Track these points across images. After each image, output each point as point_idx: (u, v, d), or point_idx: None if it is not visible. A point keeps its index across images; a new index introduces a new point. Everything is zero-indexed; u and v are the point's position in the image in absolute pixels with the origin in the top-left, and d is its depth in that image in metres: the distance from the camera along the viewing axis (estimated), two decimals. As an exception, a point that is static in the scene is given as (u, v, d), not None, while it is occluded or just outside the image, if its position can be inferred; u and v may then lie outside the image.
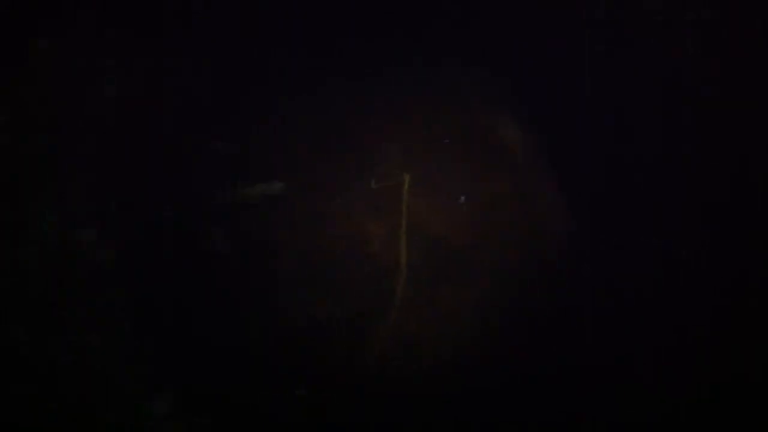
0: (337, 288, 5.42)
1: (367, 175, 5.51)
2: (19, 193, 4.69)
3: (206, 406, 4.79)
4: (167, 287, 4.99)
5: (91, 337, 4.61)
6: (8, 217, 4.61)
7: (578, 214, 5.70)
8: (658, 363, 5.39)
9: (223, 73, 5.55)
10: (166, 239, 5.05)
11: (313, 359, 5.29)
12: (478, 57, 5.83)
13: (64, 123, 4.93)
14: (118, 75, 5.17)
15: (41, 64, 4.97)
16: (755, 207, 5.51)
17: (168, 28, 5.38)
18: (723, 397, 5.19)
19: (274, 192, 5.09)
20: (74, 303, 4.65)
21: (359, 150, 5.62)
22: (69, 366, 4.49)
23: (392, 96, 5.70)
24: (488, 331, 5.46)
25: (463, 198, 5.54)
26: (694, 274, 5.53)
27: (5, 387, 4.21)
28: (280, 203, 5.19)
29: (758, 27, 5.55)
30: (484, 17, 5.87)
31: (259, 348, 5.19)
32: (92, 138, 4.99)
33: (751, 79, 5.64)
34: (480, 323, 5.47)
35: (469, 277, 5.53)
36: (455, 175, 5.64)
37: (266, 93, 5.55)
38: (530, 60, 5.84)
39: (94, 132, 5.02)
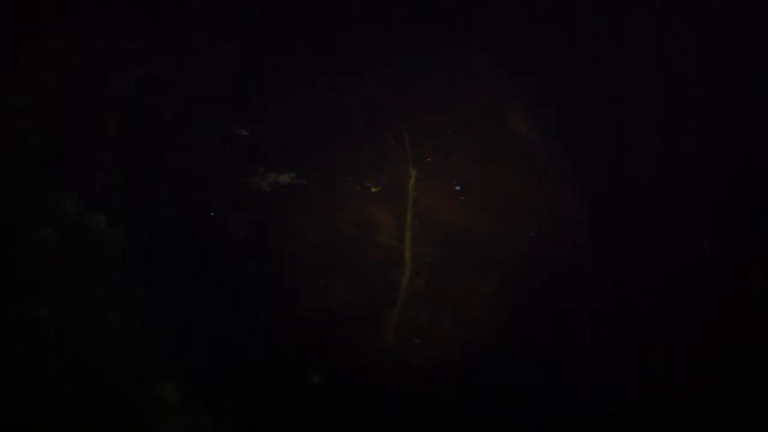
0: (344, 277, 5.45)
1: (376, 169, 5.53)
2: (39, 175, 4.73)
3: (213, 393, 4.79)
4: (180, 271, 5.00)
5: (108, 316, 4.64)
6: (29, 198, 4.65)
7: (586, 209, 5.71)
8: (660, 361, 5.40)
9: (238, 63, 5.57)
10: (180, 224, 5.06)
11: (321, 346, 5.30)
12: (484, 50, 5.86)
13: (83, 107, 4.97)
14: (136, 62, 5.20)
15: (61, 48, 5.00)
16: (757, 207, 5.55)
17: (186, 18, 5.42)
18: (723, 396, 5.20)
19: (285, 182, 5.10)
20: (92, 283, 4.68)
21: (369, 143, 5.64)
22: (88, 344, 4.52)
23: (402, 89, 5.77)
24: (496, 325, 5.47)
25: (458, 187, 5.56)
26: (697, 273, 5.55)
27: (26, 364, 4.25)
28: (290, 193, 5.18)
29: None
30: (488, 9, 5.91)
31: (267, 333, 5.19)
32: (110, 122, 5.02)
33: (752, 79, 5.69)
34: (488, 318, 5.48)
35: (478, 271, 5.55)
36: (464, 168, 5.66)
37: (278, 85, 5.59)
38: (537, 52, 5.87)
39: (112, 116, 5.05)
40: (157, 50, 5.44)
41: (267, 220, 5.35)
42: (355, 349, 5.28)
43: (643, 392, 5.38)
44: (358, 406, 5.23)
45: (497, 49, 5.93)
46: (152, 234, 5.04)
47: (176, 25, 5.57)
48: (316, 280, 5.35)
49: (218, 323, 5.03)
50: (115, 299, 4.72)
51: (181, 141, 5.27)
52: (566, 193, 5.72)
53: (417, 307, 5.38)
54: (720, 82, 5.73)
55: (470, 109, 5.72)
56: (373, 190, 5.48)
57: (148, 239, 5.02)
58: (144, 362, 4.66)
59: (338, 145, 5.56)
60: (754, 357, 5.31)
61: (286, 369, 5.19)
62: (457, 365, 5.37)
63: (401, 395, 5.31)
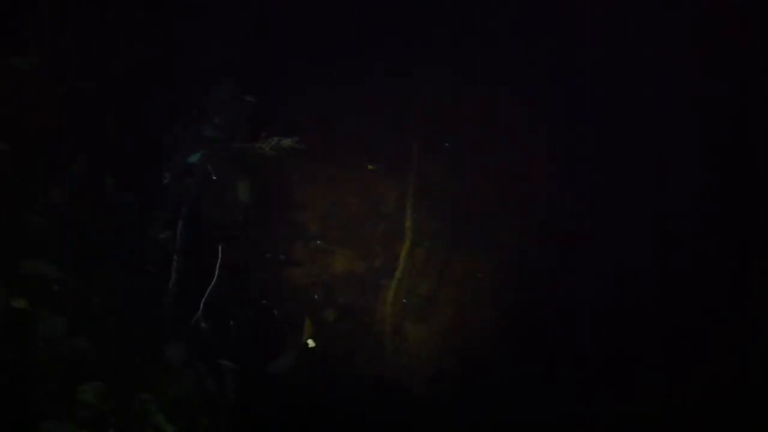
0: (349, 244, 5.53)
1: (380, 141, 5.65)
2: (50, 138, 4.76)
3: (216, 356, 4.79)
4: (187, 233, 5.02)
5: (118, 276, 4.65)
6: (41, 160, 4.68)
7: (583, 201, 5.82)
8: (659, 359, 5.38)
9: (249, 29, 5.61)
10: (187, 186, 5.09)
11: (323, 311, 5.37)
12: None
13: (94, 71, 5.00)
14: (146, 27, 5.24)
15: (70, 11, 5.05)
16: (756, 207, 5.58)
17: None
18: (723, 396, 5.18)
19: (289, 146, 5.14)
20: (102, 243, 4.70)
21: (374, 113, 5.77)
22: (95, 305, 4.53)
23: (408, 68, 5.85)
24: (497, 302, 5.57)
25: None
26: (695, 272, 5.57)
27: (37, 320, 4.25)
28: (295, 157, 5.23)
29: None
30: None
31: (269, 298, 5.26)
32: (119, 85, 5.04)
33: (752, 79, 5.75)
34: (489, 293, 5.58)
35: (480, 245, 5.65)
36: (467, 141, 5.82)
37: (289, 52, 5.66)
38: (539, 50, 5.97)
39: (122, 79, 5.07)
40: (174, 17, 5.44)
41: (269, 187, 5.43)
42: (354, 319, 5.38)
43: (640, 385, 5.35)
44: (353, 376, 5.23)
45: (500, 44, 6.00)
46: (156, 197, 5.05)
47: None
48: (321, 243, 5.46)
49: (221, 286, 5.02)
50: (122, 261, 4.73)
51: (197, 97, 5.27)
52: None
53: (416, 279, 5.50)
54: (720, 82, 5.79)
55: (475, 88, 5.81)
56: (370, 167, 5.60)
57: (152, 202, 5.03)
58: (150, 324, 4.66)
59: (344, 116, 5.69)
60: (754, 357, 5.30)
61: (284, 336, 5.22)
62: (455, 344, 5.44)
63: (397, 368, 5.31)
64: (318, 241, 5.49)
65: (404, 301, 5.43)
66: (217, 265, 4.85)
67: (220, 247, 4.86)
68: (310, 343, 5.17)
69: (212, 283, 4.80)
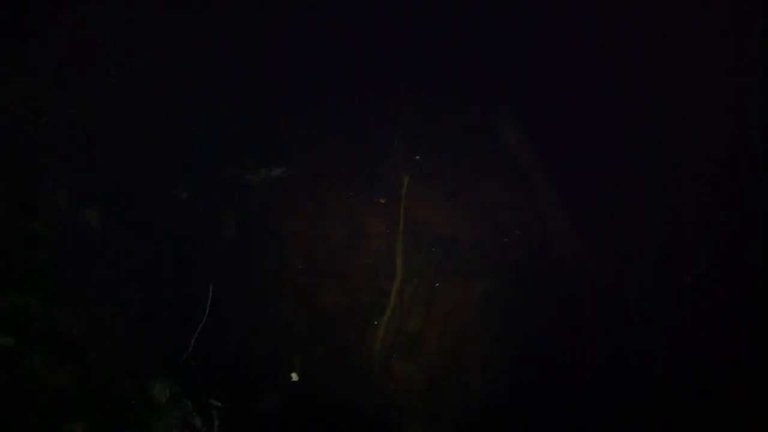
0: (336, 280, 5.52)
1: (369, 173, 5.62)
2: (33, 168, 4.74)
3: (203, 392, 4.82)
4: (171, 269, 5.03)
5: (99, 311, 4.66)
6: (23, 191, 4.67)
7: (580, 217, 5.74)
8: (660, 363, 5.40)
9: (237, 58, 5.56)
10: (172, 220, 5.09)
11: (310, 348, 5.36)
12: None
13: (79, 99, 4.96)
14: (133, 54, 5.19)
15: (60, 40, 5.00)
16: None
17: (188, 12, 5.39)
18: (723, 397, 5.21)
19: (275, 176, 5.11)
20: (83, 277, 4.70)
21: (364, 145, 5.77)
22: (78, 338, 4.55)
23: (396, 94, 5.88)
24: (488, 334, 5.51)
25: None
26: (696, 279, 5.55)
27: (16, 358, 4.27)
28: (281, 189, 5.21)
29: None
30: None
31: (257, 334, 5.27)
32: (104, 115, 5.01)
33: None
34: (479, 326, 5.53)
35: (469, 278, 5.62)
36: (455, 176, 5.76)
37: (275, 86, 5.65)
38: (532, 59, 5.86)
39: (107, 110, 5.04)
40: (157, 43, 5.39)
41: (257, 220, 5.44)
42: (342, 356, 5.34)
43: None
44: (343, 414, 5.26)
45: (490, 61, 5.92)
46: (143, 231, 5.04)
47: (177, 18, 5.52)
48: (305, 284, 5.45)
49: (205, 324, 5.04)
50: (105, 294, 4.72)
51: (184, 128, 5.24)
52: (556, 203, 5.79)
53: (405, 317, 5.46)
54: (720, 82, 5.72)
55: (463, 119, 5.76)
56: (381, 201, 5.62)
57: (139, 236, 5.02)
58: (134, 359, 4.66)
59: (332, 149, 5.66)
60: (753, 359, 5.32)
61: (270, 373, 5.24)
62: (446, 378, 5.40)
63: (386, 406, 5.33)
64: (303, 275, 5.49)
65: (393, 338, 5.41)
66: (208, 303, 4.90)
67: (210, 286, 4.90)
68: (294, 376, 5.24)
69: (203, 320, 4.85)
